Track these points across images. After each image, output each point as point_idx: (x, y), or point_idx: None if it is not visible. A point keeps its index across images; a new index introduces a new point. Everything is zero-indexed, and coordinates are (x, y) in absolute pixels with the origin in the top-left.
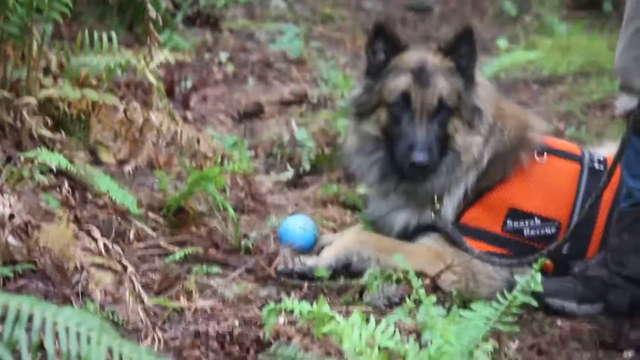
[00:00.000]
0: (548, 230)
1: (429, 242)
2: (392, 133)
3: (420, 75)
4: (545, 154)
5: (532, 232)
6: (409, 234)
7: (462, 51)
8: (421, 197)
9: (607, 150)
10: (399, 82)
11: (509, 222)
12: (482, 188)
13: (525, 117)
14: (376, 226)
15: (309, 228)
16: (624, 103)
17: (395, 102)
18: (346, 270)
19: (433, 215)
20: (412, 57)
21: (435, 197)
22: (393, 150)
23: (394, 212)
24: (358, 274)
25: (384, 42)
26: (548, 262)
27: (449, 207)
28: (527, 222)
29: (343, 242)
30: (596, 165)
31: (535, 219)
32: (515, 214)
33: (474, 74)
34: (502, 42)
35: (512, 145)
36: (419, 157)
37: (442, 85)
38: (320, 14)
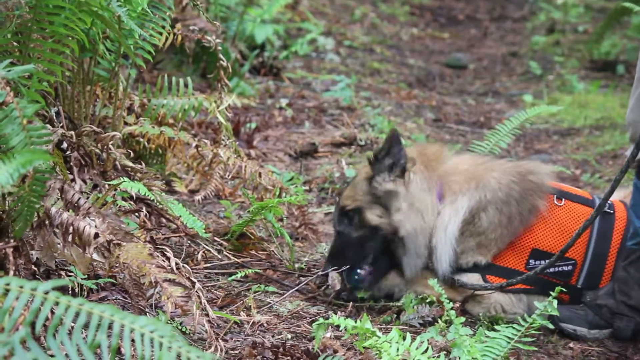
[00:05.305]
0: (566, 268)
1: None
2: None
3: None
4: (563, 199)
5: (552, 269)
6: None
7: (392, 151)
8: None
9: (617, 195)
10: None
11: (532, 261)
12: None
13: (518, 167)
14: None
15: None
16: None
17: None
18: (386, 295)
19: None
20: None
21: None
22: None
23: None
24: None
25: None
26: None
27: (444, 264)
28: (547, 261)
29: None
30: (606, 208)
31: None
32: (537, 253)
33: (404, 167)
34: (527, 97)
35: (515, 194)
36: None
37: (346, 195)
38: (369, 67)
